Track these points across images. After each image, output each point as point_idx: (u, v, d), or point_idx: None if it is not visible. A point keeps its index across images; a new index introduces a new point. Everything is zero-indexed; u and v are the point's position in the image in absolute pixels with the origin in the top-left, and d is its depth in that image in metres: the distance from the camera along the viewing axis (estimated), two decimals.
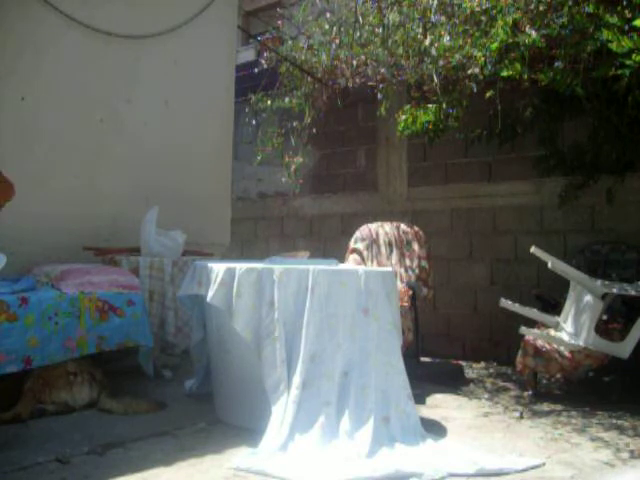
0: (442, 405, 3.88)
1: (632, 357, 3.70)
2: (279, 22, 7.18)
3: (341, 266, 3.87)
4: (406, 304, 4.30)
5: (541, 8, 3.90)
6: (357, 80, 5.79)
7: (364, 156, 6.21)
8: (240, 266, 3.21)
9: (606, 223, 4.79)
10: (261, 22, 8.48)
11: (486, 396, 4.13)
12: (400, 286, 4.45)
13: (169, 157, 4.80)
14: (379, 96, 5.33)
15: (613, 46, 3.26)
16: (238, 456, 2.76)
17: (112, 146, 4.50)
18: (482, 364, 5.17)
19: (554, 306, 4.30)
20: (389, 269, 3.77)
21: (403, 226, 4.94)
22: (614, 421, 3.50)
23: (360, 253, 4.78)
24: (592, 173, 4.72)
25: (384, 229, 4.91)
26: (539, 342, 4.03)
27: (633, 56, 3.20)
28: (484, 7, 4.15)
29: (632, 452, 2.97)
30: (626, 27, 3.36)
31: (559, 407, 3.82)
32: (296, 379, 2.94)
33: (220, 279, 3.20)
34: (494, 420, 3.56)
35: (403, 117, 4.58)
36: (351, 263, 4.69)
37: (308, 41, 5.98)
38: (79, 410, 3.37)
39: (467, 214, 5.47)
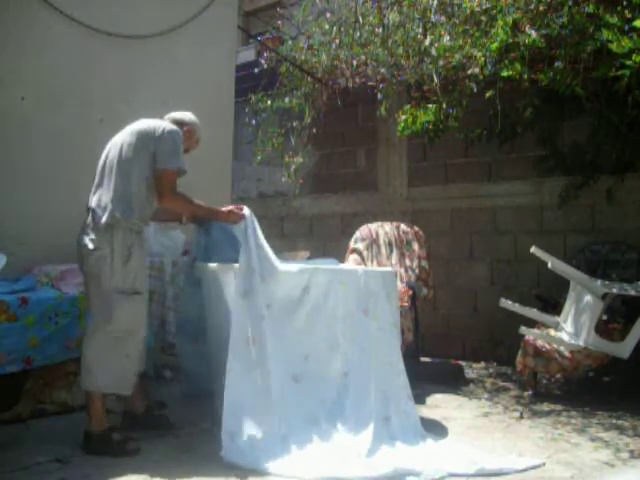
0: (442, 405, 3.88)
1: (632, 357, 3.70)
2: (279, 22, 7.18)
3: (341, 266, 3.87)
4: (406, 304, 4.29)
5: (541, 8, 3.90)
6: (357, 80, 5.79)
7: (364, 156, 6.21)
8: (240, 266, 3.22)
9: (606, 223, 4.79)
10: (261, 22, 8.47)
11: (486, 396, 4.13)
12: (400, 286, 4.44)
13: None
14: (379, 96, 5.33)
15: (613, 46, 3.26)
16: (235, 454, 2.76)
17: None
18: (482, 364, 5.17)
19: (554, 306, 4.30)
20: (389, 269, 3.77)
21: (403, 226, 4.94)
22: (614, 421, 3.50)
23: (360, 253, 4.77)
24: (592, 173, 4.72)
25: (384, 229, 4.91)
26: (539, 342, 4.03)
27: (633, 56, 3.21)
28: (484, 7, 4.15)
29: (632, 452, 2.97)
30: (626, 27, 3.36)
31: (559, 407, 3.82)
32: (292, 378, 2.94)
33: (220, 279, 3.20)
34: (494, 420, 3.56)
35: (403, 117, 4.58)
36: (351, 263, 4.69)
37: (308, 41, 5.98)
38: (79, 410, 3.37)
39: (467, 214, 5.47)
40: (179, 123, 3.24)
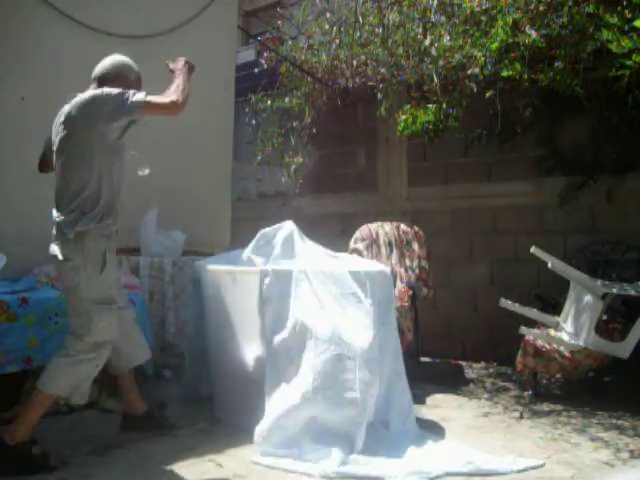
0: (442, 405, 3.88)
1: (632, 357, 3.70)
2: (279, 22, 7.18)
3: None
4: (406, 304, 4.30)
5: (541, 8, 3.90)
6: (357, 80, 5.79)
7: (364, 156, 6.21)
8: (241, 269, 3.23)
9: (606, 223, 4.79)
10: (261, 22, 8.47)
11: (486, 396, 4.13)
12: (400, 286, 4.45)
13: (169, 157, 4.79)
14: (379, 96, 5.32)
15: (613, 46, 3.26)
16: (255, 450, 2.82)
17: None
18: (482, 364, 5.17)
19: (554, 306, 4.30)
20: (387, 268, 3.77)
21: (403, 226, 4.94)
22: (614, 421, 3.50)
23: (360, 253, 4.77)
24: (592, 173, 4.72)
25: (384, 229, 4.92)
26: (539, 342, 4.03)
27: (633, 56, 3.21)
28: (484, 7, 4.15)
29: (632, 452, 2.97)
30: (626, 27, 3.36)
31: (559, 407, 3.82)
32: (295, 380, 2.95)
33: (220, 281, 3.21)
34: (494, 420, 3.56)
35: (403, 117, 4.58)
36: None
37: (308, 41, 5.98)
38: (79, 410, 3.37)
39: (467, 214, 5.47)
40: (106, 79, 2.92)
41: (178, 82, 2.81)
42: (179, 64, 2.94)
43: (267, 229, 3.60)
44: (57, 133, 2.79)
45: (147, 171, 3.21)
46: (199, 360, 3.68)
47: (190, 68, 2.95)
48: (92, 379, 2.81)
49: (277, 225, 3.60)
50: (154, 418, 3.19)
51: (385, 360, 3.09)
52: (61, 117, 2.80)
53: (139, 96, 2.68)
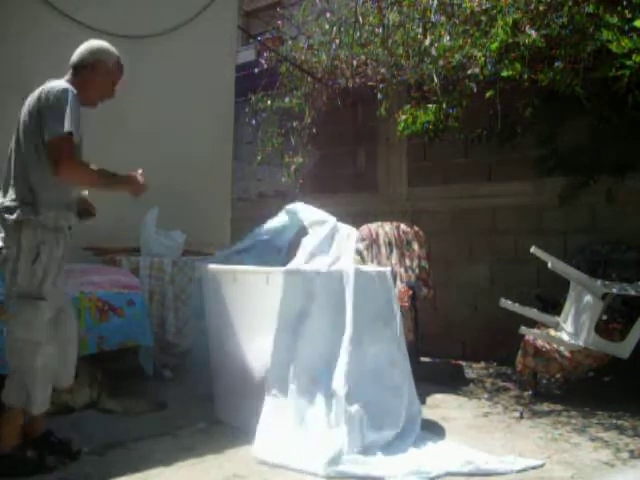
0: (442, 405, 3.88)
1: (632, 357, 3.70)
2: (279, 22, 7.19)
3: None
4: (406, 304, 4.30)
5: (541, 8, 3.90)
6: (357, 80, 5.79)
7: (364, 156, 6.21)
8: (242, 269, 3.23)
9: (606, 223, 4.79)
10: (261, 22, 8.48)
11: (486, 396, 4.13)
12: (400, 286, 4.45)
13: (169, 157, 4.80)
14: (379, 96, 5.33)
15: (613, 46, 3.26)
16: (255, 448, 2.81)
17: (112, 146, 4.51)
18: (482, 364, 5.17)
19: (554, 306, 4.30)
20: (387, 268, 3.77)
21: (403, 226, 4.94)
22: (614, 421, 3.50)
23: (360, 253, 4.77)
24: (592, 173, 4.72)
25: (384, 229, 4.92)
26: (539, 342, 4.03)
27: (633, 56, 3.21)
28: (484, 7, 4.15)
29: (632, 452, 2.97)
30: (626, 27, 3.36)
31: (559, 407, 3.82)
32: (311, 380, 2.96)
33: (222, 280, 3.21)
34: (494, 420, 3.56)
35: (403, 117, 4.59)
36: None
37: (308, 41, 5.99)
38: (79, 410, 3.37)
39: (467, 214, 5.47)
40: (84, 65, 2.79)
41: (110, 178, 2.79)
42: (134, 178, 2.86)
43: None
44: (18, 118, 2.72)
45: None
46: (200, 360, 3.68)
47: (138, 187, 2.88)
48: (41, 386, 2.59)
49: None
50: (52, 442, 2.78)
51: (391, 365, 3.09)
52: (25, 103, 2.74)
53: (68, 129, 2.54)
